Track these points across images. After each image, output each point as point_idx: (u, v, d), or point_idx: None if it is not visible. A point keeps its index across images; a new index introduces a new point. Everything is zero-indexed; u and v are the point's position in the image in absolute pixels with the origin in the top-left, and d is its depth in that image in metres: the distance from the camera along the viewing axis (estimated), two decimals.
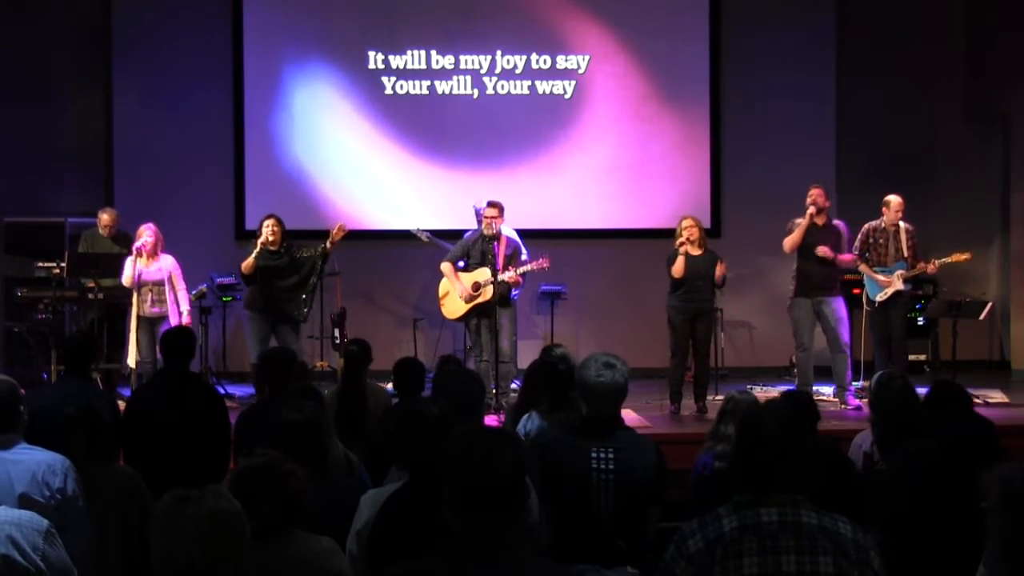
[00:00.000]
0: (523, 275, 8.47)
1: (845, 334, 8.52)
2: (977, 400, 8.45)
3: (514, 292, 8.58)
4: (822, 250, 8.43)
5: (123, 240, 9.03)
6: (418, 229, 9.67)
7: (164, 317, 8.43)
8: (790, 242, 8.49)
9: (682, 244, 8.16)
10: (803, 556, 2.53)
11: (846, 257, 8.64)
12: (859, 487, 4.42)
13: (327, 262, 8.79)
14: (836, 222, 8.66)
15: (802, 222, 8.45)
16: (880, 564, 2.59)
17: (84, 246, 9.02)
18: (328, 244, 8.59)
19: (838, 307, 8.55)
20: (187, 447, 5.21)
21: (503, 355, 8.27)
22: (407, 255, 10.45)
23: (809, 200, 8.48)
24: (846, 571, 2.53)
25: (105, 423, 4.32)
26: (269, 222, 8.49)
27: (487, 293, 8.34)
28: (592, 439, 4.07)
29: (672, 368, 8.39)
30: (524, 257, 8.63)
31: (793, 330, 8.67)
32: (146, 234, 8.46)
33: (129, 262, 8.44)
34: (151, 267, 8.48)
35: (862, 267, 8.95)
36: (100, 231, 9.02)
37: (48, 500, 3.79)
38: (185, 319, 8.44)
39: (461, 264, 8.63)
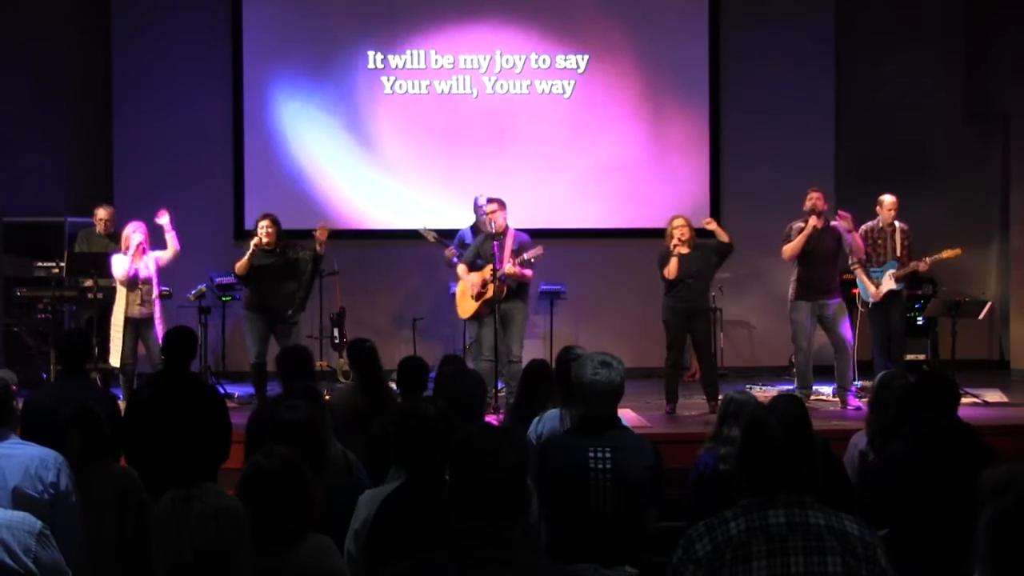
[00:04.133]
0: (524, 265, 8.49)
1: (848, 334, 8.53)
2: (975, 399, 8.48)
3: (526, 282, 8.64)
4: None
5: (119, 238, 9.02)
6: (425, 229, 9.60)
7: (150, 318, 8.32)
8: (790, 250, 8.45)
9: (675, 245, 8.17)
10: (811, 557, 2.53)
11: (859, 243, 8.70)
12: (849, 488, 4.44)
13: (319, 265, 8.69)
14: (834, 223, 8.64)
15: (804, 230, 8.42)
16: (887, 561, 2.59)
17: (80, 245, 9.01)
18: (318, 247, 8.50)
19: (840, 308, 8.56)
20: (187, 447, 5.22)
21: (513, 355, 8.28)
22: (406, 255, 10.45)
23: (809, 204, 8.46)
24: (854, 570, 2.53)
25: (101, 423, 4.31)
26: (264, 223, 8.42)
27: (491, 290, 8.35)
28: (589, 438, 4.07)
29: (667, 368, 8.39)
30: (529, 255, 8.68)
31: (792, 333, 8.66)
32: (138, 234, 8.32)
33: (121, 259, 8.28)
34: (142, 265, 8.38)
35: (857, 269, 8.97)
36: (96, 227, 9.00)
37: (41, 494, 3.77)
38: (158, 317, 8.36)
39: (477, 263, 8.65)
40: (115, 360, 8.29)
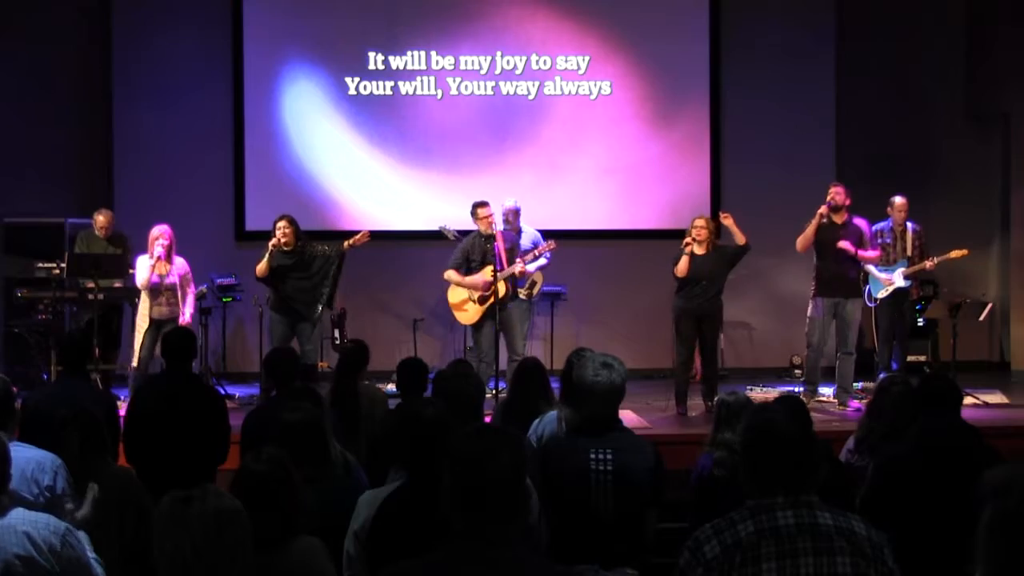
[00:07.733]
0: (529, 263, 8.49)
1: (854, 336, 8.52)
2: (976, 400, 8.48)
3: (521, 283, 8.64)
4: (843, 244, 8.37)
5: (119, 241, 9.03)
6: (445, 228, 9.48)
7: (174, 320, 8.31)
8: (801, 240, 8.45)
9: (687, 244, 8.15)
10: (821, 558, 2.52)
11: (869, 254, 8.60)
12: (848, 489, 4.44)
13: (343, 262, 8.59)
14: (856, 220, 8.61)
15: (813, 220, 8.44)
16: (894, 561, 2.59)
17: (80, 247, 9.02)
18: (346, 244, 8.48)
19: (855, 309, 8.54)
20: (188, 448, 5.22)
21: (516, 354, 8.29)
22: (407, 255, 10.45)
23: (828, 197, 8.45)
24: (863, 570, 2.53)
25: (100, 424, 4.31)
26: (281, 224, 8.35)
27: (498, 291, 8.35)
28: (590, 439, 4.06)
29: (677, 370, 8.37)
30: (539, 251, 8.70)
31: (806, 328, 8.61)
32: (163, 238, 8.27)
33: (144, 263, 8.25)
34: (168, 271, 8.35)
35: (866, 265, 8.97)
36: (96, 232, 9.02)
37: (36, 497, 3.78)
38: (186, 319, 8.40)
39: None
40: (135, 359, 8.29)
